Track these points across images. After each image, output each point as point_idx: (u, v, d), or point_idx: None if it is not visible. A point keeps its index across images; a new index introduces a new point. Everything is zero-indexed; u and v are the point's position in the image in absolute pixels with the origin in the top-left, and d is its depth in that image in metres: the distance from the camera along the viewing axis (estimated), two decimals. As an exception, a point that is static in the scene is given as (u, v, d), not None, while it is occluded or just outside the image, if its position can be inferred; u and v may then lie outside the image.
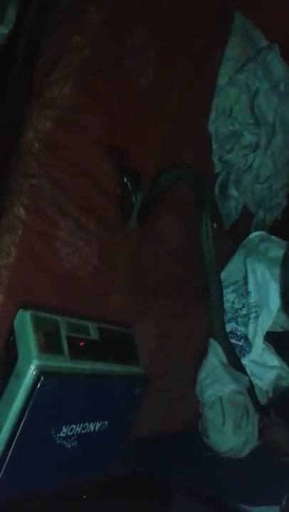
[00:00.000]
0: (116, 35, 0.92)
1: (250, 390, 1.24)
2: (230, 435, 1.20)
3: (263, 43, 1.36)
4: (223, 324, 1.27)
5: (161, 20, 1.03)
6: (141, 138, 1.03)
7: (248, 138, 1.30)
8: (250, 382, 1.24)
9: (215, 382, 1.21)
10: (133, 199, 0.96)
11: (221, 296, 1.30)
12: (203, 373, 1.24)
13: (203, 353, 1.27)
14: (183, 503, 1.40)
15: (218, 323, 1.26)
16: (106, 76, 0.92)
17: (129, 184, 0.95)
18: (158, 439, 1.20)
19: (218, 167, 1.30)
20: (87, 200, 0.91)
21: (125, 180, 0.94)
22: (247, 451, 1.24)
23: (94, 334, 0.89)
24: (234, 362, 1.25)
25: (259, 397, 1.26)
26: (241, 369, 1.25)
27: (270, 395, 1.28)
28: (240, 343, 1.29)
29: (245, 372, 1.25)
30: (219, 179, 1.31)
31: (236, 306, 1.34)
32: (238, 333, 1.30)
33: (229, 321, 1.32)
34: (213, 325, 1.26)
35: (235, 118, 1.28)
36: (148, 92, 1.02)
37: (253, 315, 1.30)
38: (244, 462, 1.26)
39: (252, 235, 1.40)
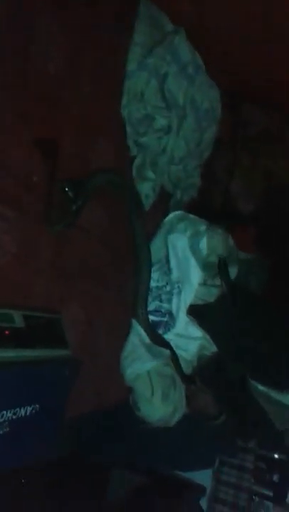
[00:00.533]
0: (21, 24, 0.92)
1: (175, 361, 1.30)
2: (159, 405, 1.25)
3: (170, 27, 1.38)
4: (146, 303, 1.32)
5: (67, 7, 1.03)
6: (54, 125, 1.03)
7: (160, 121, 1.34)
8: (174, 354, 1.30)
9: (135, 361, 1.26)
10: (73, 207, 0.95)
11: (150, 275, 1.34)
12: (124, 353, 1.29)
13: (129, 334, 1.31)
14: (121, 477, 1.46)
15: (141, 303, 1.30)
16: (13, 64, 0.91)
17: (70, 193, 0.93)
18: (91, 418, 1.24)
19: (133, 150, 1.33)
20: (3, 190, 0.91)
21: (66, 189, 0.93)
22: (176, 419, 1.30)
23: (19, 322, 0.90)
24: (155, 338, 1.30)
25: (185, 368, 1.32)
26: (163, 343, 1.31)
27: (195, 364, 1.34)
28: (165, 319, 1.35)
29: (167, 346, 1.30)
30: (136, 162, 1.34)
31: (160, 283, 1.39)
32: (163, 310, 1.35)
33: (154, 300, 1.36)
34: (137, 305, 1.30)
35: (147, 102, 1.30)
36: (57, 78, 1.02)
37: (175, 291, 1.36)
38: (175, 431, 1.33)
39: (171, 215, 1.44)
